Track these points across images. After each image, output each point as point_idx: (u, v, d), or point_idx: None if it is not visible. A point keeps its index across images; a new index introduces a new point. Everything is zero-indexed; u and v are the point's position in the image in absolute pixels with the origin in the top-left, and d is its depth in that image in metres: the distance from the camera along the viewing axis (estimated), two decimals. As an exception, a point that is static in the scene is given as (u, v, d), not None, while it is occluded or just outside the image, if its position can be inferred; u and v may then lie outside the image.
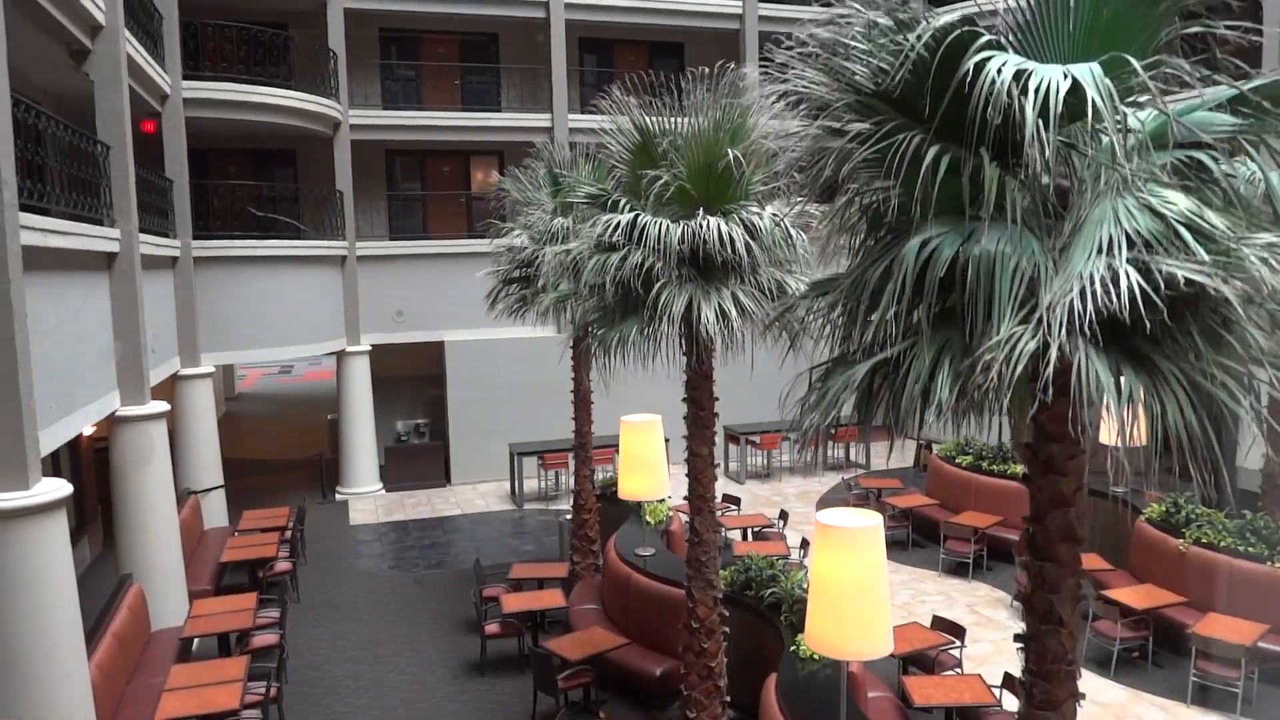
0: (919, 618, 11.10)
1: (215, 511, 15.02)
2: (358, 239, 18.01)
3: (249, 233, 15.58)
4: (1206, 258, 3.09)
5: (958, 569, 13.01)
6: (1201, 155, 3.53)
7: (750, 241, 7.24)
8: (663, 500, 11.39)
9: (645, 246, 7.36)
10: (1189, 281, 3.06)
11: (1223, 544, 10.31)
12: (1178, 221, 3.26)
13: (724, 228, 7.15)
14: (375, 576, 13.55)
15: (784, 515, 13.89)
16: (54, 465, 11.77)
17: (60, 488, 7.04)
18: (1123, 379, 3.18)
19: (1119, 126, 3.32)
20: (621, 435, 10.35)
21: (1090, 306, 3.05)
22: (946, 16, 3.47)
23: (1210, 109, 3.76)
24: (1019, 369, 3.23)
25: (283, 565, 12.40)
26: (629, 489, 10.25)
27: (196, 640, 10.28)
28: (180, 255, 14.43)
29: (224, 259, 15.05)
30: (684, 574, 8.60)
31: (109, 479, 10.95)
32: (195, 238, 14.72)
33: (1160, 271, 3.10)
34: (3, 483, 6.78)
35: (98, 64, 10.41)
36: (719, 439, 8.72)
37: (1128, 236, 3.31)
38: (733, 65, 7.93)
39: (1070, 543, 4.23)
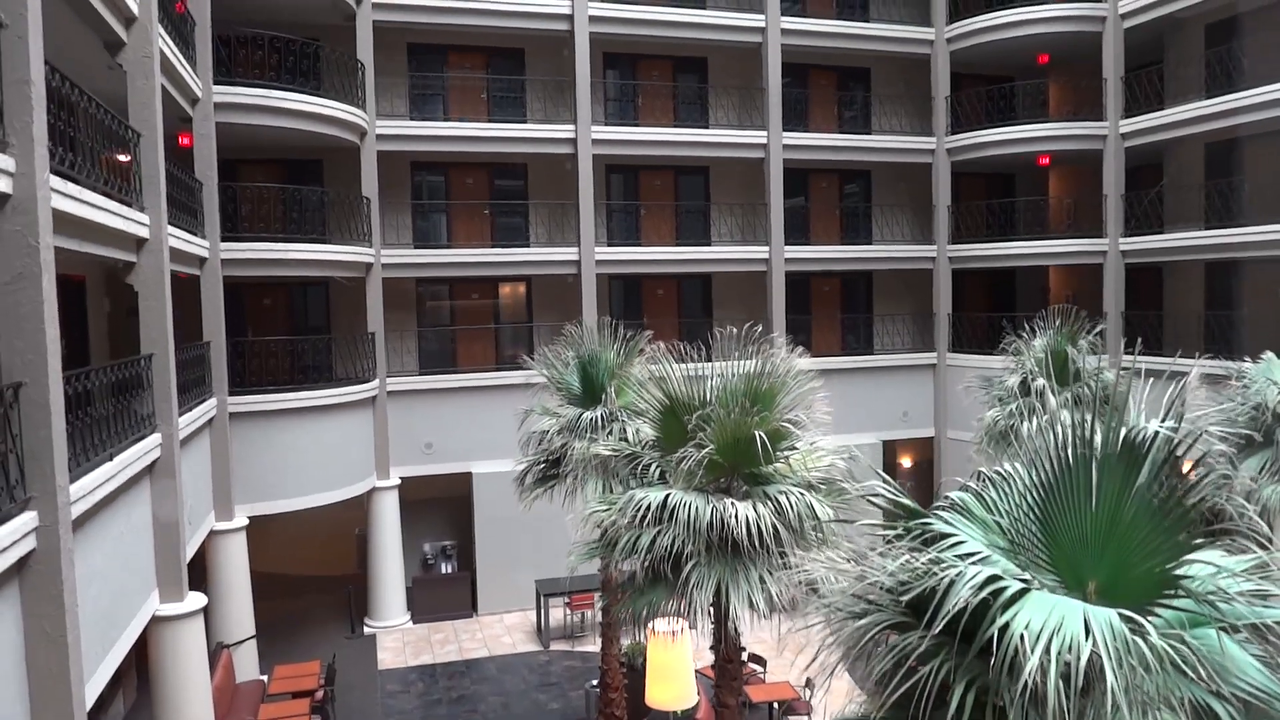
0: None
1: (247, 661, 15.21)
2: (388, 374, 18.33)
3: (282, 386, 15.87)
4: None
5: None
6: (1218, 707, 3.66)
7: (779, 528, 7.38)
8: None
9: (675, 524, 7.53)
10: None
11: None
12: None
13: (751, 517, 7.29)
14: (404, 744, 13.69)
15: (809, 684, 13.91)
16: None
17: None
18: None
19: (1134, 690, 3.47)
20: (649, 648, 10.50)
21: None
22: (974, 578, 3.61)
23: (1225, 628, 3.88)
24: None
25: (314, 742, 12.57)
26: (656, 698, 10.36)
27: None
28: (216, 414, 14.73)
29: (258, 413, 15.36)
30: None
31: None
32: (231, 393, 15.02)
33: None
34: (52, 774, 6.99)
35: (128, 58, 10.36)
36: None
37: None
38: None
39: None
